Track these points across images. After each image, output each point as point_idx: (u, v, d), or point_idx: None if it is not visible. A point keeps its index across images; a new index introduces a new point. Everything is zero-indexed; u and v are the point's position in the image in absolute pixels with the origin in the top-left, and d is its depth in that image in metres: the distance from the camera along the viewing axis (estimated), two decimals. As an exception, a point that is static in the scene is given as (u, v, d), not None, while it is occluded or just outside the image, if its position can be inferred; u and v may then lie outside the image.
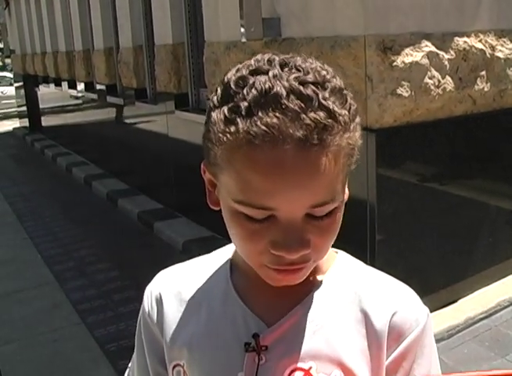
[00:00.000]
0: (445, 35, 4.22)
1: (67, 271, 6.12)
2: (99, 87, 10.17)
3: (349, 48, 3.99)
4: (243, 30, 4.56)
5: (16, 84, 18.65)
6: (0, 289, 5.72)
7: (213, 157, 0.86)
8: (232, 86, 0.83)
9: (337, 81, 0.85)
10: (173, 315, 1.04)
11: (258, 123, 0.78)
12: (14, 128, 17.98)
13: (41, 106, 15.38)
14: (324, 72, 0.85)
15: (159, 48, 7.37)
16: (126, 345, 4.45)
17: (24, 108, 17.12)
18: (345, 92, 0.86)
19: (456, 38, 4.28)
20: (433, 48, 4.13)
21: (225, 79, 0.86)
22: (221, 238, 6.16)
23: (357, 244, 4.09)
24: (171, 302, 1.05)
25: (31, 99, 16.02)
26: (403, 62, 3.96)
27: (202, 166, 0.94)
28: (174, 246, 6.43)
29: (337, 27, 4.11)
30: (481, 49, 4.44)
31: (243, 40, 4.67)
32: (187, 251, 6.12)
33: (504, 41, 4.63)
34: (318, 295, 0.97)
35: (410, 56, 4.01)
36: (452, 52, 4.25)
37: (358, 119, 0.87)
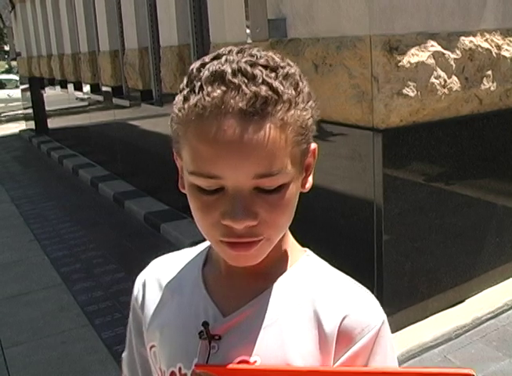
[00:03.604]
0: (450, 35, 4.21)
1: (74, 273, 6.13)
2: (104, 89, 10.19)
3: (355, 48, 3.99)
4: (248, 31, 4.57)
5: (22, 87, 18.69)
6: (7, 291, 5.74)
7: (175, 136, 0.93)
8: (194, 71, 0.91)
9: (291, 69, 0.91)
10: (152, 300, 1.11)
11: (205, 96, 0.85)
12: (20, 131, 18.01)
13: (47, 109, 15.41)
14: (278, 60, 0.91)
15: (164, 49, 7.38)
16: (133, 346, 4.46)
17: (30, 110, 17.16)
18: (298, 78, 0.92)
19: (462, 38, 4.28)
20: (439, 48, 4.13)
21: (190, 67, 0.93)
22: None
23: (364, 245, 4.10)
24: (152, 288, 1.13)
25: (37, 102, 16.06)
26: (409, 62, 3.96)
27: (174, 152, 0.99)
28: (181, 247, 6.39)
29: (343, 28, 4.11)
30: (487, 49, 4.43)
31: (249, 41, 4.68)
32: (194, 253, 6.11)
33: (510, 40, 4.62)
34: (276, 291, 1.00)
35: (416, 56, 4.00)
36: (458, 52, 4.25)
37: (311, 103, 0.93)
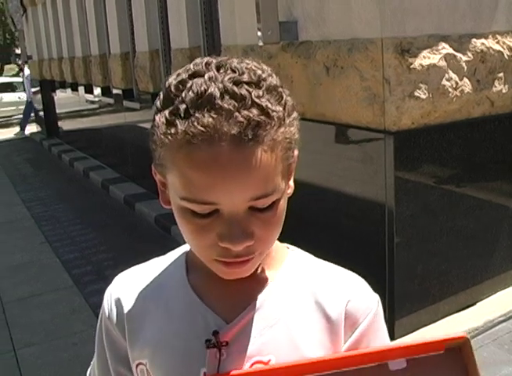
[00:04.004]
0: (462, 37, 4.20)
1: (86, 275, 6.16)
2: (115, 91, 10.22)
3: (366, 50, 3.99)
4: (259, 33, 4.56)
5: (33, 90, 18.76)
6: (19, 293, 5.77)
7: (158, 158, 0.92)
8: (173, 90, 0.88)
9: (273, 80, 0.90)
10: (133, 316, 1.07)
11: (195, 123, 0.83)
12: (31, 133, 18.10)
13: (57, 111, 15.47)
14: (259, 71, 0.89)
15: (175, 52, 7.39)
16: (145, 348, 4.47)
17: (41, 113, 17.23)
18: (281, 89, 0.91)
19: (474, 40, 4.27)
20: (450, 50, 4.12)
21: (167, 84, 0.91)
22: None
23: (375, 247, 4.09)
24: (130, 303, 1.08)
25: (48, 104, 16.12)
26: (421, 64, 3.96)
27: (152, 168, 0.98)
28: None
29: (354, 30, 4.11)
30: (499, 51, 4.42)
31: (260, 44, 4.68)
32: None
33: (522, 43, 4.61)
34: (273, 290, 1.01)
35: (428, 58, 4.00)
36: (469, 54, 4.24)
37: (294, 114, 0.92)
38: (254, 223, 0.89)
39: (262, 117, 0.84)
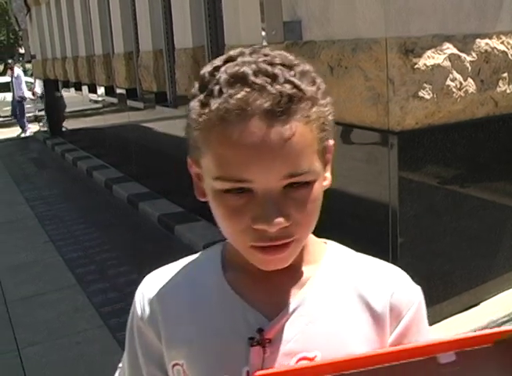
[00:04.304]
0: (466, 37, 4.20)
1: (89, 274, 6.16)
2: (119, 91, 10.23)
3: (370, 50, 3.98)
4: (263, 33, 4.56)
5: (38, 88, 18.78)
6: (22, 292, 5.77)
7: (193, 143, 0.92)
8: (207, 76, 0.90)
9: (306, 66, 0.91)
10: (168, 315, 1.04)
11: (228, 99, 0.84)
12: (35, 133, 18.12)
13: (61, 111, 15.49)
14: (292, 58, 0.90)
15: (179, 51, 7.40)
16: (148, 347, 4.48)
17: (45, 112, 17.25)
18: (314, 74, 0.91)
19: (478, 40, 4.26)
20: (454, 51, 4.11)
21: (202, 72, 0.92)
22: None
23: (379, 247, 4.09)
24: (165, 303, 1.05)
25: (52, 104, 16.14)
26: (425, 64, 3.95)
27: (188, 160, 0.99)
28: (195, 249, 6.43)
29: (358, 30, 4.11)
30: (503, 51, 4.41)
31: (264, 43, 4.68)
32: (208, 254, 6.13)
33: (526, 43, 4.60)
34: (314, 285, 1.00)
35: (432, 58, 4.00)
36: (473, 54, 4.23)
37: (328, 99, 0.92)
38: (290, 205, 0.87)
39: (294, 90, 0.85)
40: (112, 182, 9.97)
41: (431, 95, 4.00)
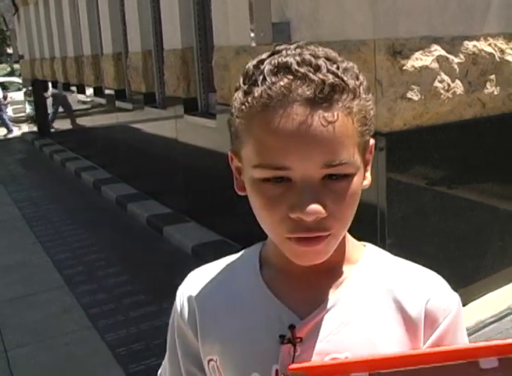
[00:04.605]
0: (454, 39, 4.22)
1: (77, 275, 6.15)
2: (107, 92, 10.21)
3: (359, 52, 4.00)
4: (252, 34, 4.56)
5: (25, 90, 18.71)
6: (11, 293, 5.76)
7: (235, 133, 0.92)
8: (252, 68, 0.90)
9: (349, 63, 0.91)
10: (205, 312, 1.06)
11: (271, 86, 0.85)
12: (23, 133, 18.05)
13: (49, 111, 15.43)
14: (336, 54, 0.91)
15: (168, 52, 7.39)
16: (136, 348, 4.48)
17: (33, 113, 17.19)
18: (357, 71, 0.91)
19: (466, 42, 4.29)
20: (442, 52, 4.13)
21: (247, 66, 0.92)
22: (230, 242, 6.17)
23: (367, 248, 4.10)
24: (203, 299, 1.07)
25: (40, 104, 16.09)
26: (413, 66, 3.97)
27: (229, 154, 0.98)
28: (184, 250, 6.44)
29: (347, 32, 4.12)
30: (491, 53, 4.44)
31: (253, 44, 4.68)
32: (197, 255, 6.13)
33: (513, 45, 4.63)
34: (349, 287, 0.99)
35: (420, 60, 4.01)
36: (461, 56, 4.25)
37: (370, 95, 0.92)
38: (328, 195, 0.87)
39: (337, 79, 0.85)
40: (100, 183, 9.94)
41: (419, 96, 4.02)
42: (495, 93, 4.52)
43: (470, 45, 4.30)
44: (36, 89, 16.51)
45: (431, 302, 0.99)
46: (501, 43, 4.52)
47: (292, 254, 0.92)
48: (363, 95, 0.89)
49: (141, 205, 8.31)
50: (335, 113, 0.84)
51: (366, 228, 4.10)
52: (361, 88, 0.89)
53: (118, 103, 9.58)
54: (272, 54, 0.90)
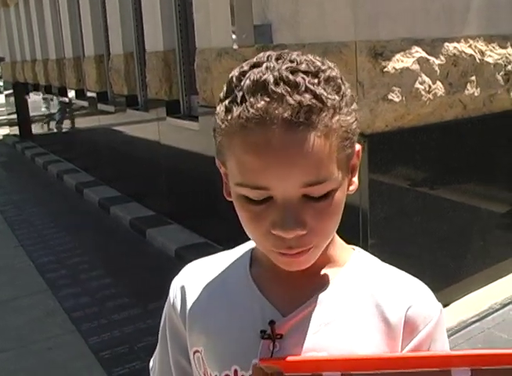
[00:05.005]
0: (434, 41, 4.25)
1: (60, 279, 6.11)
2: (89, 94, 10.17)
3: (340, 54, 4.01)
4: (234, 36, 4.57)
5: (6, 92, 18.59)
6: (-7, 297, 5.71)
7: (218, 146, 0.94)
8: (234, 81, 0.91)
9: (333, 72, 0.91)
10: (194, 304, 1.09)
11: (249, 107, 0.85)
12: (4, 136, 17.92)
13: (31, 114, 15.35)
14: (319, 63, 0.90)
15: (150, 55, 7.38)
16: (120, 352, 4.46)
17: (14, 116, 17.07)
18: (339, 81, 0.91)
19: (446, 44, 4.32)
20: (423, 54, 4.16)
21: (230, 76, 0.93)
22: (213, 244, 6.16)
23: (350, 249, 4.11)
24: (194, 291, 1.10)
25: (21, 107, 15.98)
26: (394, 67, 3.99)
27: (216, 160, 1.00)
28: (167, 252, 6.43)
29: (328, 34, 4.14)
30: (471, 55, 4.47)
31: (235, 47, 4.69)
32: (180, 258, 6.12)
33: (493, 47, 4.67)
34: (333, 289, 1.01)
35: (401, 61, 4.04)
36: (442, 58, 4.28)
37: (354, 106, 0.92)
38: (308, 212, 0.88)
39: (314, 101, 0.85)
40: (83, 186, 9.90)
41: (400, 98, 4.04)
42: (476, 94, 4.56)
43: (450, 46, 4.33)
44: (17, 92, 16.39)
45: (412, 309, 0.99)
46: (481, 45, 4.56)
47: (279, 263, 0.95)
48: (345, 109, 0.90)
49: (124, 208, 8.29)
50: (312, 135, 0.85)
51: (349, 229, 4.11)
52: (343, 101, 0.89)
53: (100, 106, 9.54)
54: (254, 66, 0.90)
